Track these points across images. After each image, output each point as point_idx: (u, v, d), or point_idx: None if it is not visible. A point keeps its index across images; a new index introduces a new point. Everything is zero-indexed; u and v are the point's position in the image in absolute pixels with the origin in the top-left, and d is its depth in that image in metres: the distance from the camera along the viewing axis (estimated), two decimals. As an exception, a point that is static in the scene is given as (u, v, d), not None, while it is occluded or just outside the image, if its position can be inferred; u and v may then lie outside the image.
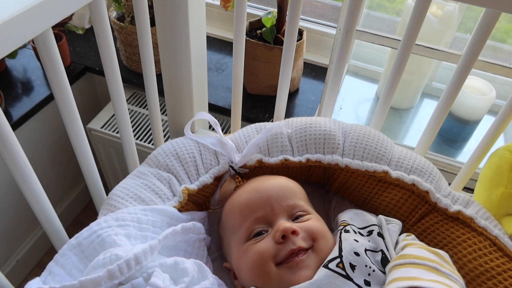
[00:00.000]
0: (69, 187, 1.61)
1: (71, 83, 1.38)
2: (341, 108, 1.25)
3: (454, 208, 0.62)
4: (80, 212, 1.72)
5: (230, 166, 0.65)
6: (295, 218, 0.57)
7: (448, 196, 0.64)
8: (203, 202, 0.67)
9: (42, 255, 1.59)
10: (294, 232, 0.53)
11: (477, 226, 0.61)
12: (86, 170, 0.64)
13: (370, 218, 0.62)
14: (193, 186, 0.62)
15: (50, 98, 1.32)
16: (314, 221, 0.57)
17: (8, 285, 0.54)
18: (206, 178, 0.63)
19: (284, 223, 0.54)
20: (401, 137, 1.21)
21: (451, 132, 1.15)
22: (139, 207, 0.56)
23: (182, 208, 0.61)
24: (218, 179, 0.65)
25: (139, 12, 0.64)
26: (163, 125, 1.00)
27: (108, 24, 0.56)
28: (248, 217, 0.57)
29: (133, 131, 1.31)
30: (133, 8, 1.16)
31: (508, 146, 0.66)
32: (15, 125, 1.23)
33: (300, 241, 0.53)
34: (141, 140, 1.28)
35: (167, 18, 0.73)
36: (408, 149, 0.71)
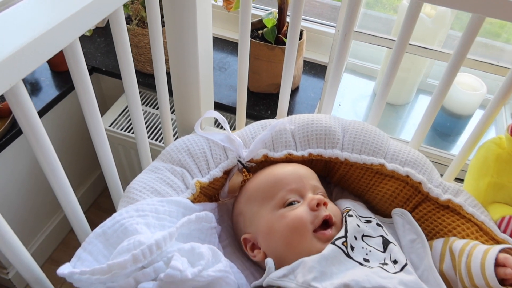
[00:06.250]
0: (74, 187, 1.66)
1: (78, 83, 1.42)
2: (340, 105, 1.30)
3: (444, 197, 0.67)
4: (86, 211, 1.77)
5: (238, 160, 0.70)
6: None
7: (439, 186, 0.70)
8: (213, 194, 0.72)
9: (52, 250, 1.64)
10: (325, 204, 0.61)
11: (465, 213, 0.66)
12: (104, 161, 0.69)
13: (368, 212, 0.69)
14: (205, 179, 0.67)
15: (59, 98, 1.37)
16: (332, 204, 0.65)
17: (35, 267, 0.59)
18: (216, 171, 0.68)
19: (316, 195, 0.62)
20: (398, 132, 1.26)
21: (445, 126, 1.20)
22: (157, 199, 0.61)
23: (194, 200, 0.66)
24: (227, 173, 0.70)
25: (152, 16, 0.68)
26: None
27: (126, 32, 0.61)
28: (283, 188, 0.64)
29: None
30: (139, 11, 1.21)
31: (495, 139, 0.71)
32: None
33: (329, 212, 0.61)
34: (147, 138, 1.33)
35: (176, 20, 0.78)
36: (403, 143, 0.76)
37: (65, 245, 1.69)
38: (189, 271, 0.52)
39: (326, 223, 0.61)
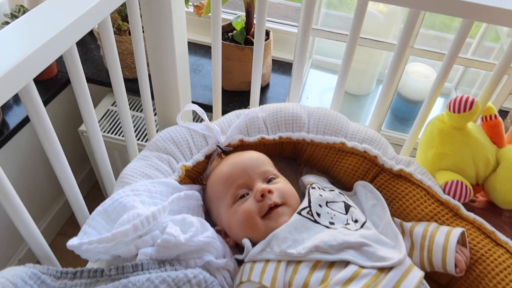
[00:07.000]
0: (57, 195, 1.72)
1: (58, 92, 1.49)
2: (307, 98, 1.41)
3: (397, 167, 0.78)
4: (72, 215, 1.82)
5: (217, 145, 0.79)
6: (268, 180, 0.72)
7: (393, 159, 0.81)
8: (196, 177, 0.81)
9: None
10: (270, 191, 0.68)
11: (415, 180, 0.77)
12: (98, 152, 0.78)
13: (330, 184, 0.79)
14: (189, 163, 0.76)
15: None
16: (283, 183, 0.72)
17: (44, 244, 0.67)
18: (199, 156, 0.77)
19: (262, 185, 0.69)
20: (363, 120, 1.38)
21: (402, 111, 1.32)
22: (148, 181, 0.70)
23: (181, 182, 0.74)
24: (208, 157, 0.80)
25: (134, 25, 0.77)
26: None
27: (114, 41, 0.70)
28: (232, 186, 0.71)
29: (119, 130, 1.43)
30: (116, 19, 1.28)
31: (438, 116, 0.83)
32: (12, 133, 1.32)
33: (275, 198, 0.68)
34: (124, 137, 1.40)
35: (154, 27, 0.86)
36: (361, 124, 0.87)
37: (53, 248, 1.73)
38: (182, 236, 0.61)
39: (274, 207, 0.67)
